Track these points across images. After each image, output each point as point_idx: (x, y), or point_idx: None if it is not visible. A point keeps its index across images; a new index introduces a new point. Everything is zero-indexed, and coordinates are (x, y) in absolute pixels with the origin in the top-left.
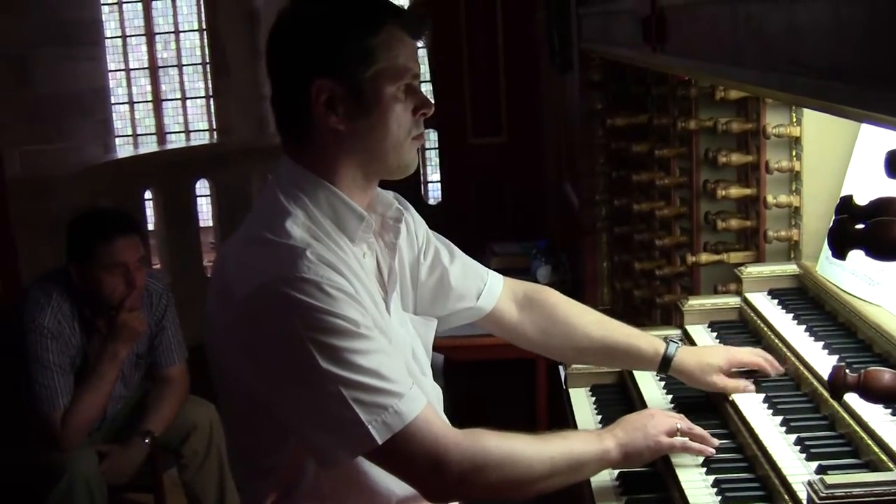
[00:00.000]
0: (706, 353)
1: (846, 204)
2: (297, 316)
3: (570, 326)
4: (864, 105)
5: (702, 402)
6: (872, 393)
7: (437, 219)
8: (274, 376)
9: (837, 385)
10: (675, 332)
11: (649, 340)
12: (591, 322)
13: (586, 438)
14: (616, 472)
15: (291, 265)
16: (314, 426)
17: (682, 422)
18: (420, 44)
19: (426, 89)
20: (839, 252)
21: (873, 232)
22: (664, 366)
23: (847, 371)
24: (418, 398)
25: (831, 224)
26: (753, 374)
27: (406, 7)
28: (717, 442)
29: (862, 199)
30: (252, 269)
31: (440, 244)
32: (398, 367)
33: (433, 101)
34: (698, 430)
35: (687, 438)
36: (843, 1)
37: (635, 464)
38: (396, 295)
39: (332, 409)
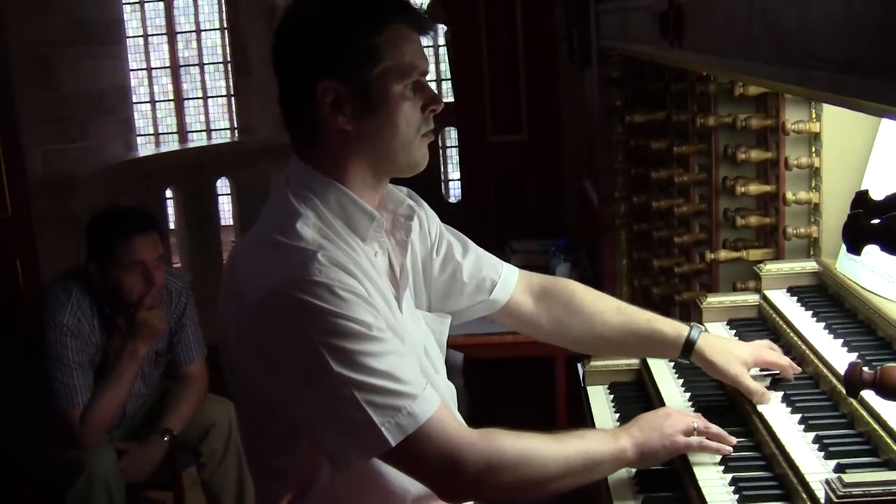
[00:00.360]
0: (731, 343)
1: (861, 199)
2: (309, 319)
3: (588, 315)
4: (879, 98)
5: (720, 401)
6: (889, 390)
7: (458, 217)
8: (286, 379)
9: (853, 382)
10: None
11: (671, 323)
12: (608, 309)
13: (602, 438)
14: (633, 470)
15: (302, 268)
16: (327, 429)
17: (698, 421)
18: (441, 42)
19: (446, 87)
20: (853, 247)
21: (888, 226)
22: (687, 350)
23: (863, 368)
24: (432, 399)
25: (846, 219)
26: (773, 376)
27: (412, 3)
28: (734, 440)
29: (879, 194)
30: (264, 272)
31: (453, 238)
32: (412, 368)
33: (448, 98)
34: (715, 428)
35: (704, 438)
36: None
37: (651, 463)
38: (409, 293)
39: (344, 412)
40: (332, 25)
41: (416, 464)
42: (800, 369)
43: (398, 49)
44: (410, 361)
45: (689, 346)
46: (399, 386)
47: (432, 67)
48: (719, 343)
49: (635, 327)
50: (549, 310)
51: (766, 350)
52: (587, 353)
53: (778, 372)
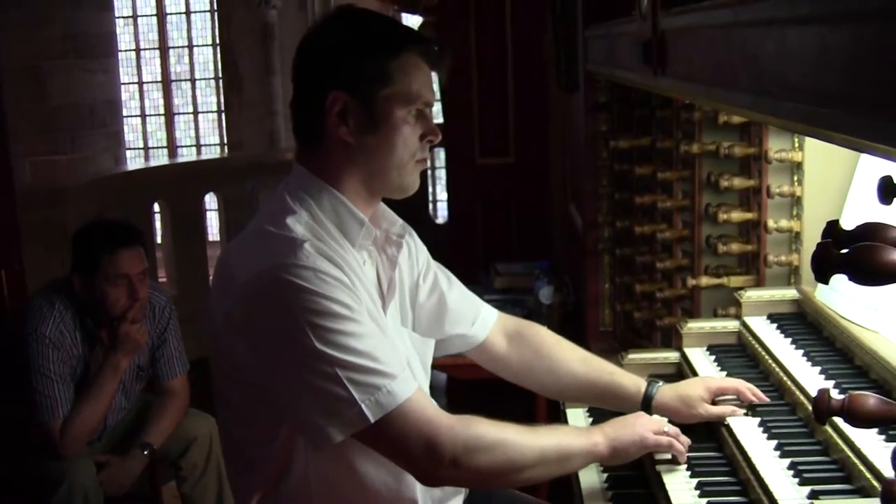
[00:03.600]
0: (683, 386)
1: (832, 229)
2: (294, 299)
3: (555, 362)
4: (848, 131)
5: (696, 426)
6: (857, 417)
7: (444, 238)
8: (270, 358)
9: (821, 408)
10: (672, 354)
11: (632, 379)
12: (575, 359)
13: (576, 432)
14: (610, 492)
15: (290, 253)
16: (308, 406)
17: (669, 426)
18: None
19: (436, 110)
20: (821, 276)
21: (855, 257)
22: (645, 404)
23: (831, 395)
24: (410, 381)
25: (815, 248)
26: (728, 401)
27: (421, 33)
28: (684, 458)
29: (855, 224)
30: (252, 257)
31: (440, 271)
32: (391, 352)
33: (442, 123)
34: (685, 438)
35: (673, 439)
36: (829, 28)
37: (623, 460)
38: (395, 307)
39: (326, 389)
40: (351, 42)
41: (393, 443)
42: (766, 398)
43: (407, 76)
44: (390, 346)
45: (647, 400)
46: (379, 366)
47: None
48: (674, 391)
49: (597, 379)
50: (519, 352)
51: (715, 379)
52: (552, 398)
53: (735, 397)
